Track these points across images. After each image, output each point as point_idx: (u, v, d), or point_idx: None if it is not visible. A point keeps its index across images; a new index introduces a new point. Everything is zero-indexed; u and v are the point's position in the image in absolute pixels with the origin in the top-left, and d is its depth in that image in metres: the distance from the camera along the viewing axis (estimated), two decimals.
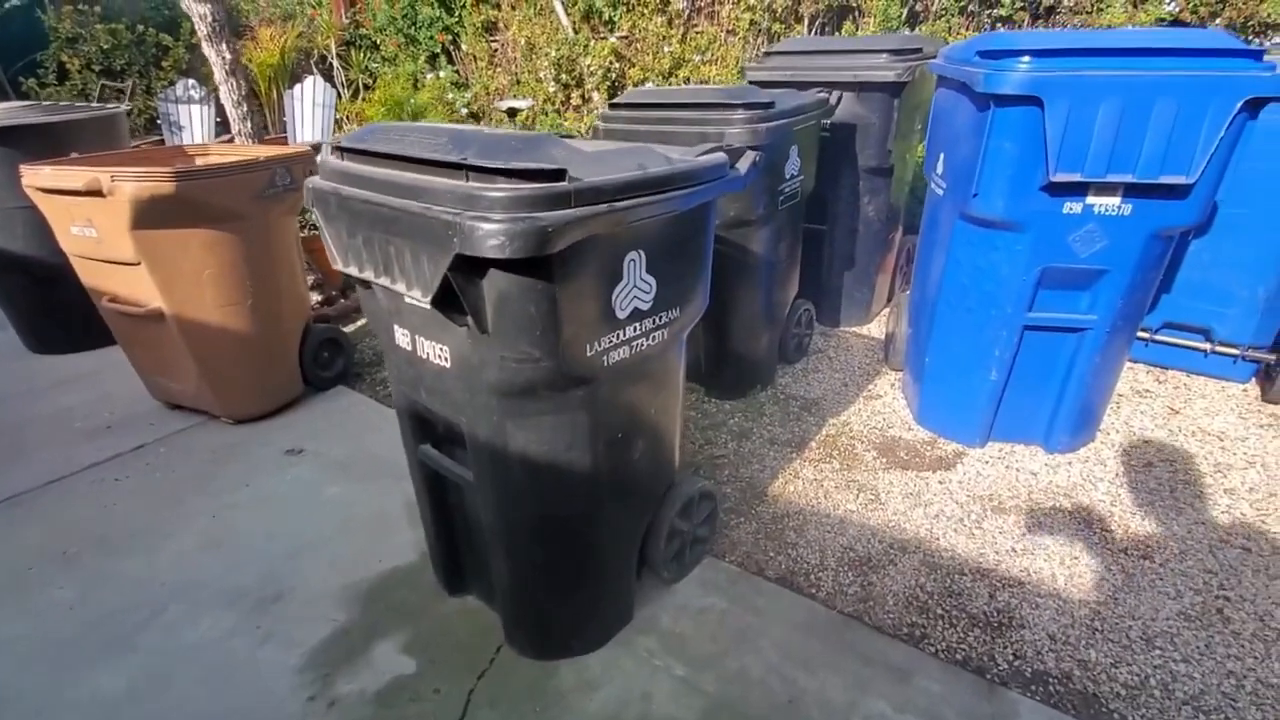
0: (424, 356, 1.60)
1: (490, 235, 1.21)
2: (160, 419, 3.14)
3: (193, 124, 6.04)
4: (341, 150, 1.59)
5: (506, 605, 1.87)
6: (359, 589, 2.15)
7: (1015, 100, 2.13)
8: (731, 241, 2.85)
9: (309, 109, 6.56)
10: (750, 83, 3.49)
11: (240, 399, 3.03)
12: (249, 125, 3.79)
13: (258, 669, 1.88)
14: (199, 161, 3.17)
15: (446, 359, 1.54)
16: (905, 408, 3.09)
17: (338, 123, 7.05)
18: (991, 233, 2.40)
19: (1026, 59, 2.12)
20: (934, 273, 2.74)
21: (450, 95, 6.98)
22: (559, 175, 1.28)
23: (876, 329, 3.89)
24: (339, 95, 7.16)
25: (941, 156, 2.65)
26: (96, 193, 2.47)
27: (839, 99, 3.33)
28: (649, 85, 6.12)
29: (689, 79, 6.34)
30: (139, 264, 2.61)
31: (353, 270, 1.56)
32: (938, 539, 2.31)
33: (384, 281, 1.48)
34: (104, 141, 3.63)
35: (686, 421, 3.04)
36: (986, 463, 2.71)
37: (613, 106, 2.91)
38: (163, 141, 6.48)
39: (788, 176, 2.90)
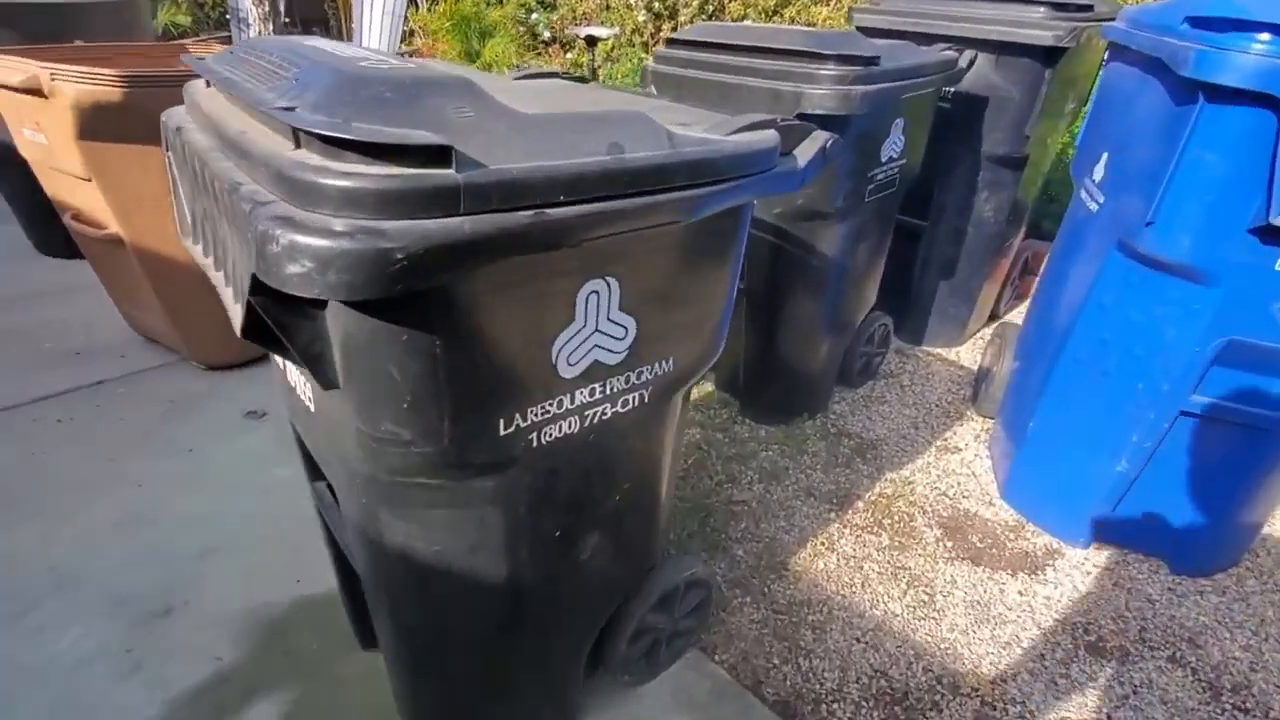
0: (292, 384, 1.12)
1: (296, 258, 0.68)
2: (133, 352, 2.85)
3: (252, 18, 5.70)
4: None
5: (403, 709, 1.43)
6: (261, 617, 1.77)
7: (1240, 97, 1.41)
8: (794, 237, 2.22)
9: (378, 15, 6.09)
10: (858, 29, 2.76)
11: (209, 344, 2.68)
12: (270, 26, 3.35)
13: (108, 714, 1.53)
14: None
15: (310, 400, 1.05)
16: (989, 472, 2.44)
17: (409, 34, 6.57)
18: (1163, 279, 1.69)
19: (1266, 36, 1.38)
20: (1063, 311, 2.04)
21: (533, 16, 6.35)
22: (441, 156, 0.73)
23: (969, 355, 3.18)
24: (414, 4, 6.65)
25: (1104, 158, 1.92)
26: (37, 92, 2.07)
27: (971, 61, 2.56)
28: (747, 23, 5.32)
29: (795, 19, 5.47)
30: (90, 180, 2.23)
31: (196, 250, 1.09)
32: (1006, 682, 1.72)
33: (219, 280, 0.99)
34: (117, 30, 3.26)
35: (710, 447, 2.50)
36: (1088, 573, 2.05)
37: (670, 44, 2.28)
38: (230, 39, 6.18)
39: (884, 159, 2.21)
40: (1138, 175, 1.69)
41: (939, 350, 3.20)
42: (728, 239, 1.15)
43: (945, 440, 2.60)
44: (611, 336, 1.04)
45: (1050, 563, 2.08)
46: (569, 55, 6.25)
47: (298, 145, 0.76)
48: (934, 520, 2.22)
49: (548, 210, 0.80)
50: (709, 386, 2.83)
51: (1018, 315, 3.55)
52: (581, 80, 1.54)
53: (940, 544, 2.13)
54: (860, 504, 2.28)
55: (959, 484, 2.38)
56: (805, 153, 1.17)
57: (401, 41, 6.18)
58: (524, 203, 0.79)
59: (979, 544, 2.14)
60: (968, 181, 2.80)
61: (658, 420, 1.23)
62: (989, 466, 2.46)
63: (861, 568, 2.04)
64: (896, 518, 2.23)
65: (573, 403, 1.04)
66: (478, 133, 0.79)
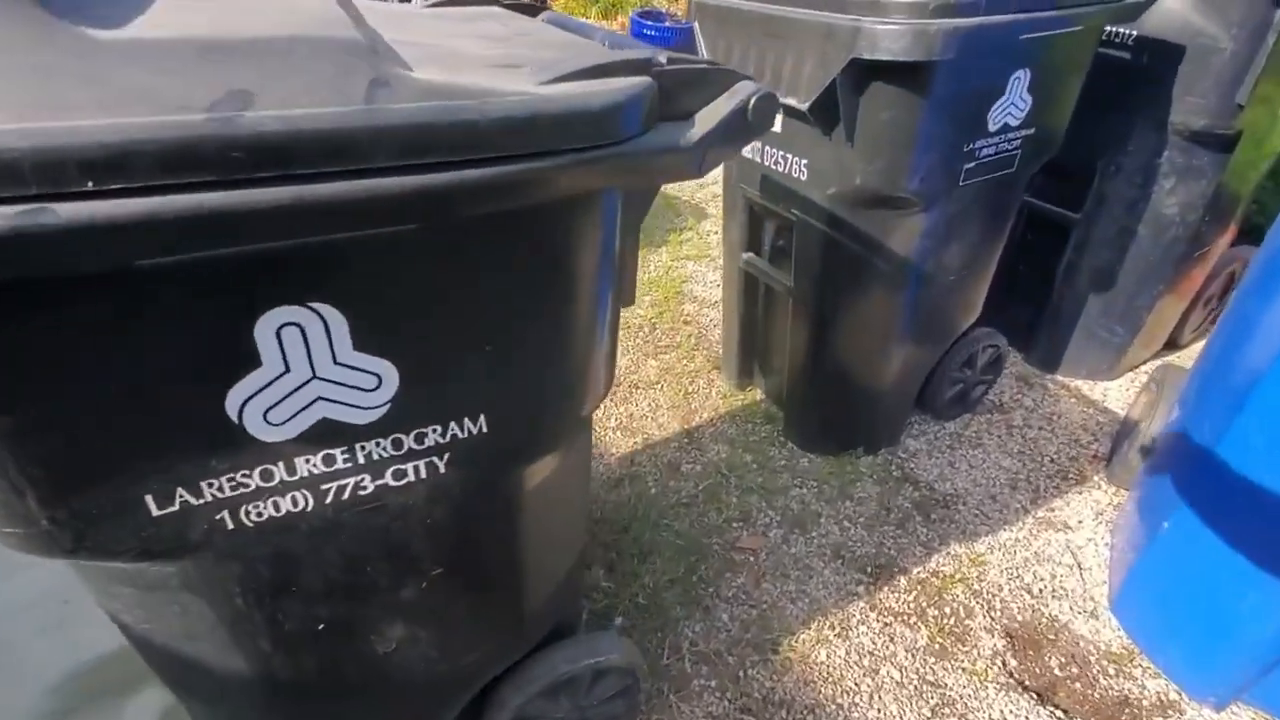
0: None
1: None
2: None
3: None
4: None
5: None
6: None
7: None
8: (852, 228, 1.69)
9: None
10: None
11: None
12: None
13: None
14: None
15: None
16: (1103, 568, 1.79)
17: None
18: None
19: None
20: (1257, 353, 1.36)
21: None
22: None
23: (1121, 395, 2.41)
24: None
25: None
26: None
27: None
28: None
29: None
30: None
31: None
32: None
33: None
34: None
35: (731, 472, 2.08)
36: None
37: None
38: None
39: (995, 128, 1.60)
40: None
41: (1078, 384, 2.46)
42: (565, 245, 0.75)
43: (1051, 511, 1.96)
44: (351, 387, 0.70)
45: None
46: None
47: None
48: (1000, 622, 1.66)
49: (56, 205, 0.47)
50: (757, 393, 2.38)
51: None
52: (530, 9, 1.17)
53: (999, 660, 1.58)
54: (903, 580, 1.76)
55: (1053, 577, 1.77)
56: (710, 117, 0.73)
57: None
58: (12, 191, 0.47)
59: (1058, 671, 1.56)
60: (1144, 164, 2.03)
61: (488, 496, 0.88)
62: (1104, 560, 1.81)
63: (878, 671, 1.56)
64: (948, 609, 1.69)
65: (292, 474, 0.72)
66: None
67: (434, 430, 0.77)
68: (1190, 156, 1.97)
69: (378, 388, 0.71)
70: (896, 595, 1.73)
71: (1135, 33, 1.91)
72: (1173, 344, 2.60)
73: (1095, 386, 2.45)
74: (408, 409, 0.74)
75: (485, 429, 0.80)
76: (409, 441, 0.76)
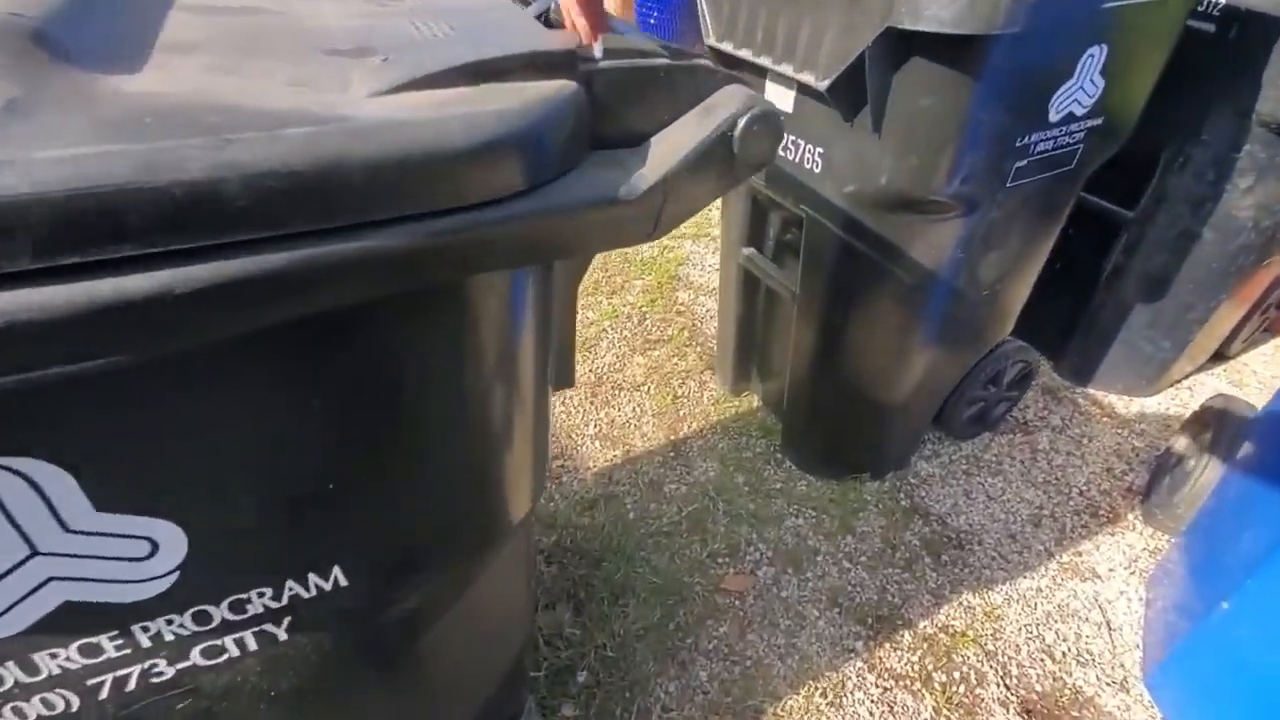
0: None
1: None
2: None
3: None
4: None
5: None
6: None
7: None
8: (871, 233, 1.42)
9: None
10: None
11: None
12: None
13: None
14: None
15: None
16: (1135, 629, 1.58)
17: None
18: None
19: None
20: None
21: None
22: None
23: (1157, 413, 2.17)
24: None
25: None
26: None
27: None
28: None
29: None
30: None
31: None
32: None
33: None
34: None
35: (720, 495, 1.85)
36: None
37: None
38: None
39: (1058, 118, 1.31)
40: None
41: (1112, 399, 2.21)
42: (429, 348, 0.50)
43: (1078, 556, 1.73)
44: (104, 558, 0.46)
45: None
46: None
47: None
48: (1016, 693, 1.45)
49: None
50: (753, 399, 2.13)
51: (1259, 360, 2.40)
52: None
53: None
54: (907, 635, 1.55)
55: (1078, 637, 1.56)
56: (673, 146, 0.46)
57: None
58: None
59: None
60: (1218, 157, 1.73)
61: (361, 652, 0.64)
62: (1137, 619, 1.60)
63: None
64: (957, 674, 1.48)
65: (34, 674, 0.49)
66: None
67: (259, 595, 0.53)
68: (1275, 152, 1.68)
69: (152, 555, 0.47)
70: (899, 654, 1.52)
71: (1223, 0, 1.59)
72: (1220, 355, 2.33)
73: (1131, 403, 2.20)
74: (210, 575, 0.50)
75: (343, 581, 0.56)
76: (220, 613, 0.52)
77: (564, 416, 2.13)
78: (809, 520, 1.79)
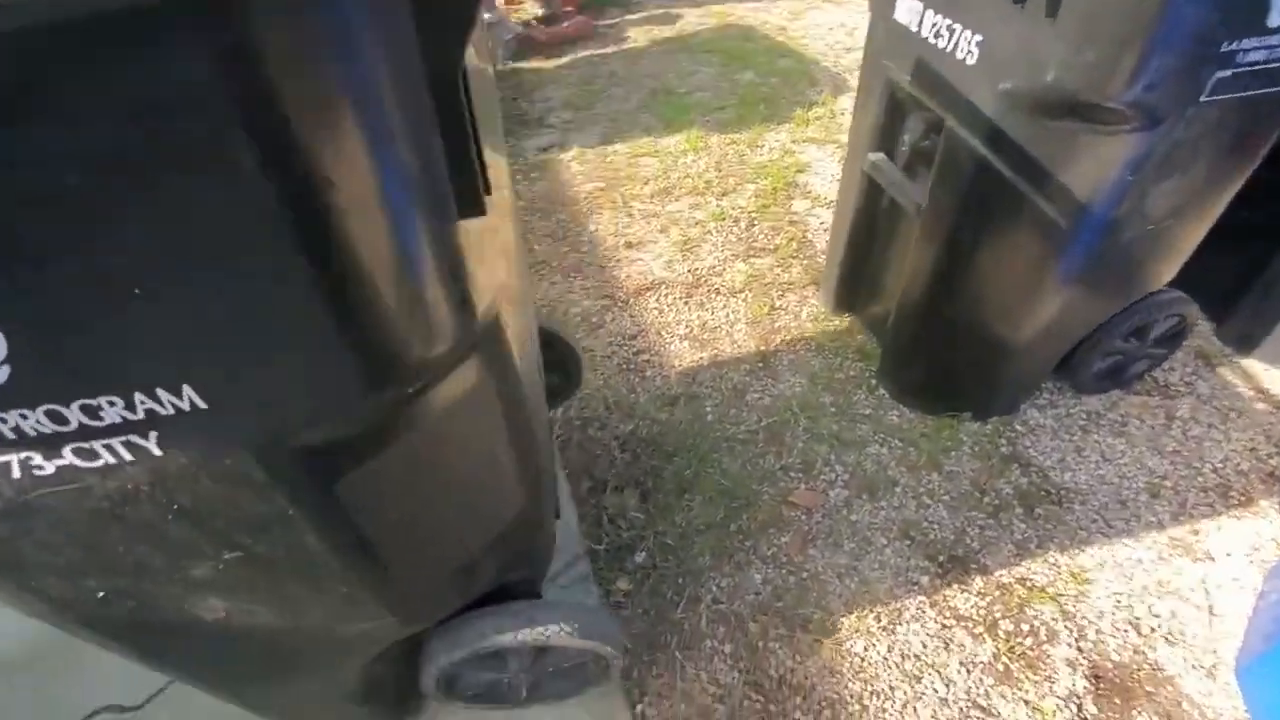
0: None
1: None
2: None
3: None
4: None
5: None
6: None
7: None
8: (1016, 146, 1.25)
9: None
10: None
11: None
12: None
13: None
14: None
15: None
16: (1239, 619, 1.43)
17: None
18: None
19: None
20: None
21: None
22: None
23: None
24: None
25: None
26: None
27: None
28: None
29: None
30: None
31: None
32: None
33: None
34: None
35: (803, 412, 1.80)
36: None
37: None
38: None
39: (1278, 23, 1.06)
40: None
41: (1276, 375, 1.92)
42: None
43: (1194, 534, 1.57)
44: None
45: None
46: None
47: None
48: (1089, 657, 1.37)
49: None
50: (855, 323, 2.02)
51: None
52: None
53: (1075, 702, 1.32)
54: (979, 580, 1.49)
55: (1173, 615, 1.44)
56: None
57: None
58: None
59: None
60: None
61: (272, 482, 0.64)
62: (1245, 609, 1.45)
63: (920, 679, 1.34)
64: (1026, 626, 1.42)
65: None
66: None
67: (110, 404, 0.55)
68: None
69: None
70: (967, 596, 1.46)
71: None
72: None
73: None
74: (44, 375, 0.53)
75: (200, 403, 0.57)
76: (75, 415, 0.55)
77: (655, 314, 2.12)
78: (894, 451, 1.72)
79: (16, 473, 0.57)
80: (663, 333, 2.06)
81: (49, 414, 0.54)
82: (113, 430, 0.56)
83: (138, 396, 0.55)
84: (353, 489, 0.69)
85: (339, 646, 0.94)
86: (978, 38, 1.25)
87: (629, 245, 2.37)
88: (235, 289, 0.52)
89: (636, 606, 1.45)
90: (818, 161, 2.68)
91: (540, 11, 3.77)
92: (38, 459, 0.57)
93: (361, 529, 0.73)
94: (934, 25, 1.35)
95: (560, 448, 1.74)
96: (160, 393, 0.55)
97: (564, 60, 3.57)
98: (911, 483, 1.65)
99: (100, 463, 0.58)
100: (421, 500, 0.80)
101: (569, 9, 3.87)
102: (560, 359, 1.57)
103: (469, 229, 0.66)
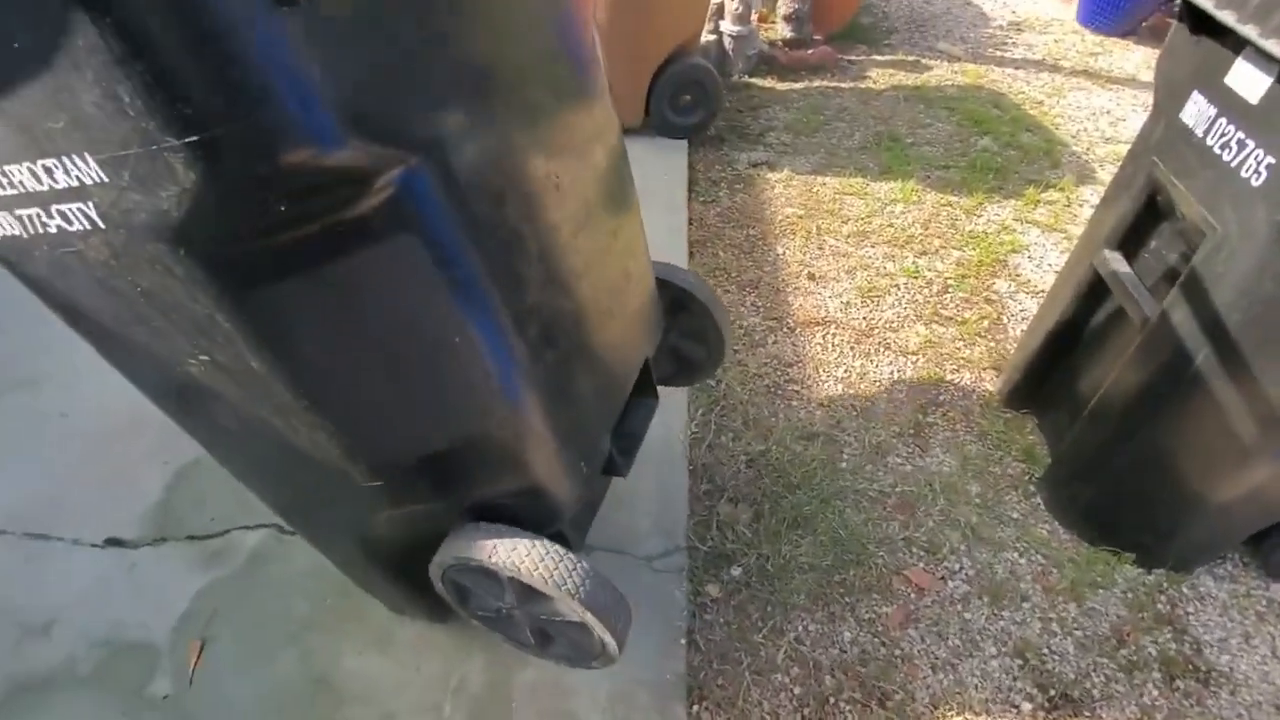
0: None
1: None
2: None
3: None
4: None
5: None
6: None
7: None
8: None
9: None
10: None
11: None
12: None
13: None
14: None
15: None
16: None
17: None
18: None
19: None
20: None
21: None
22: None
23: None
24: None
25: None
26: None
27: None
28: None
29: None
30: None
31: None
32: None
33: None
34: None
35: (943, 493, 1.71)
36: None
37: None
38: None
39: None
40: None
41: None
42: None
43: None
44: None
45: None
46: None
47: None
48: None
49: None
50: (1028, 423, 1.88)
51: None
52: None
53: None
54: None
55: None
56: None
57: None
58: None
59: None
60: None
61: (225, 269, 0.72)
62: None
63: None
64: None
65: None
66: None
67: (29, 170, 0.67)
68: None
69: None
70: None
71: None
72: None
73: None
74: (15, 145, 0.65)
75: (100, 177, 0.64)
76: (19, 178, 0.68)
77: (818, 349, 2.10)
78: (1033, 564, 1.59)
79: (39, 228, 0.73)
80: (820, 369, 2.04)
81: (29, 172, 0.67)
82: (49, 198, 0.69)
83: (44, 165, 0.66)
84: (264, 310, 0.76)
85: (340, 488, 1.00)
86: (1270, 159, 1.13)
87: (811, 277, 2.37)
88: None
89: (720, 616, 1.46)
90: (1036, 246, 2.51)
91: (789, 34, 3.82)
92: (41, 214, 0.71)
93: (292, 361, 0.80)
94: (1223, 135, 1.24)
95: (691, 442, 1.79)
96: (70, 161, 0.64)
97: (798, 85, 3.60)
98: (1043, 604, 1.52)
99: (54, 228, 0.71)
100: (340, 351, 0.84)
101: (818, 38, 3.89)
102: (700, 328, 1.47)
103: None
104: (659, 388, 1.38)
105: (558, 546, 1.00)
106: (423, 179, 0.74)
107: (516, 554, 0.98)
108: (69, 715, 1.25)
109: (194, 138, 0.59)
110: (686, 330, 1.48)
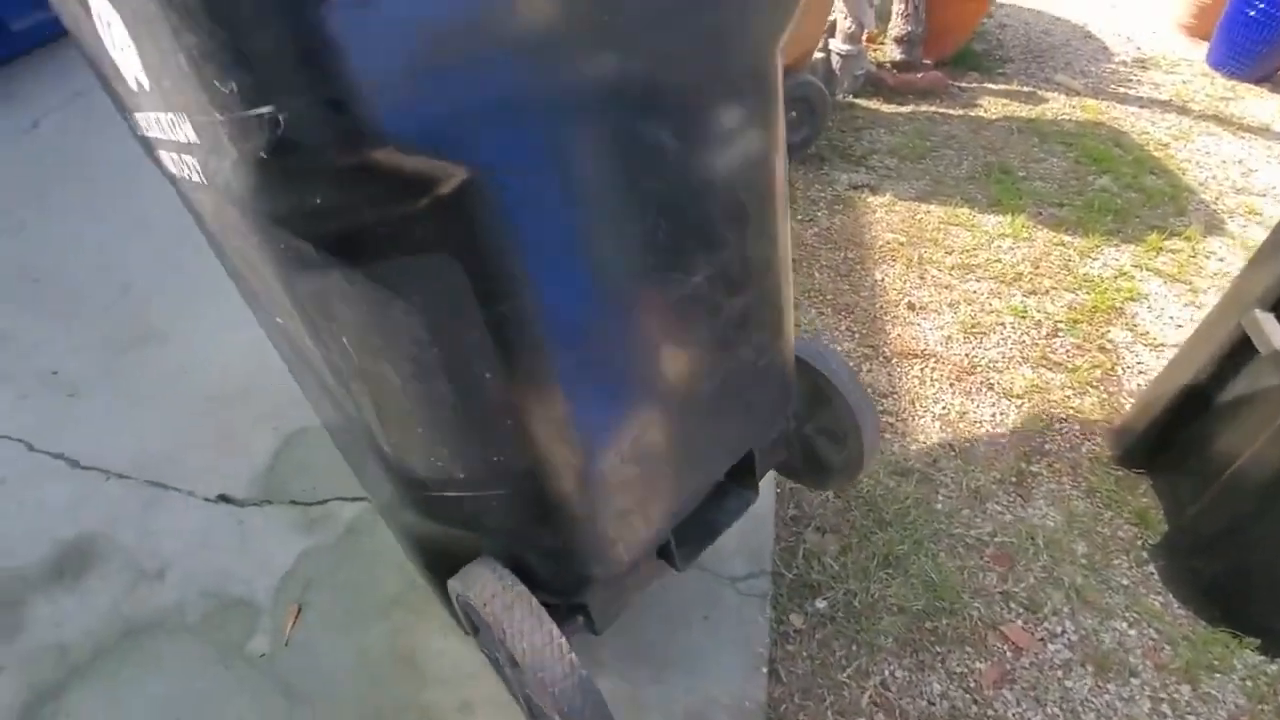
0: None
1: None
2: None
3: None
4: None
5: None
6: None
7: None
8: None
9: None
10: None
11: None
12: None
13: None
14: None
15: None
16: None
17: None
18: None
19: None
20: None
21: None
22: None
23: None
24: None
25: None
26: None
27: None
28: None
29: None
30: None
31: None
32: None
33: None
34: None
35: (1047, 545, 1.62)
36: None
37: None
38: None
39: None
40: None
41: None
42: None
43: None
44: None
45: None
46: None
47: None
48: None
49: None
50: (1143, 485, 1.76)
51: None
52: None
53: None
54: None
55: None
56: None
57: None
58: None
59: None
60: None
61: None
62: None
63: None
64: None
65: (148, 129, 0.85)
66: None
67: (165, 119, 0.74)
68: None
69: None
70: None
71: None
72: None
73: None
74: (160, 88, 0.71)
75: (194, 137, 0.70)
76: (166, 125, 0.74)
77: (916, 383, 2.02)
78: (1144, 638, 1.48)
79: (182, 171, 0.79)
80: (917, 404, 1.96)
81: (169, 122, 0.73)
82: (185, 148, 0.73)
83: (182, 119, 0.69)
84: (310, 294, 0.79)
85: (381, 480, 1.02)
86: None
87: (911, 307, 2.29)
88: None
89: (803, 648, 1.42)
90: (1157, 296, 2.36)
91: (899, 56, 3.73)
92: (173, 152, 0.78)
93: (330, 352, 0.84)
94: None
95: (779, 465, 1.74)
96: (184, 121, 0.68)
97: (904, 109, 3.51)
98: (1154, 682, 1.41)
99: (194, 178, 0.76)
100: (369, 353, 0.81)
101: (927, 61, 3.78)
102: (840, 430, 1.25)
103: None
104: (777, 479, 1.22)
105: (557, 632, 0.89)
106: (482, 200, 0.65)
107: (510, 620, 0.88)
108: (174, 662, 1.30)
109: (250, 112, 0.56)
110: (824, 427, 1.29)
